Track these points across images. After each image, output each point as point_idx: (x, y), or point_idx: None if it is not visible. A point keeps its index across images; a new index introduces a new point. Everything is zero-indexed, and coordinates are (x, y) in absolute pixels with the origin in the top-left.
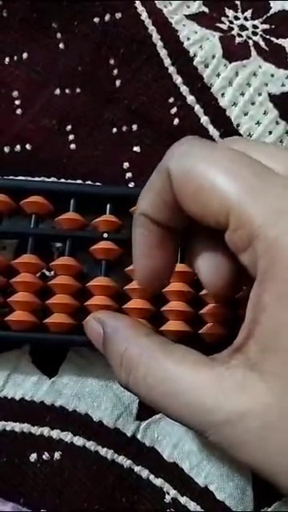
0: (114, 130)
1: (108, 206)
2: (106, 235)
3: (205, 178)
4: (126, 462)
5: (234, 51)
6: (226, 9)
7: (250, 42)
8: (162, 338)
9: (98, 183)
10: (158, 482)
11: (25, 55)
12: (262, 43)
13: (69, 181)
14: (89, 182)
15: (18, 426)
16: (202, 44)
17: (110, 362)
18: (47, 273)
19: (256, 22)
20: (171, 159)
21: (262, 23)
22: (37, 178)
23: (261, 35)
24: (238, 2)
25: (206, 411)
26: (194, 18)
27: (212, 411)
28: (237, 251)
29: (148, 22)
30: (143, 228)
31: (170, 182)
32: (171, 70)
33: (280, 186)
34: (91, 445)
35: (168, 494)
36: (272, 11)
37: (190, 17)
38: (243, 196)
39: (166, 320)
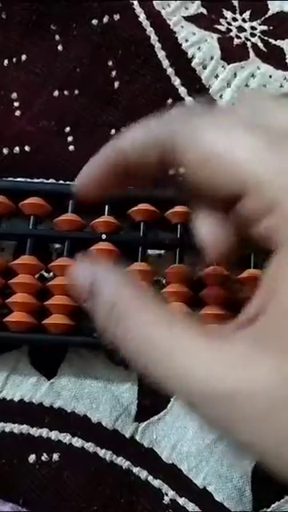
0: (113, 131)
1: (106, 207)
2: (104, 236)
3: (216, 146)
4: (124, 463)
5: (232, 52)
6: (224, 10)
7: (249, 44)
8: (160, 297)
9: None
10: (157, 483)
11: (24, 57)
12: (260, 44)
13: (67, 182)
14: None
15: (16, 428)
16: (201, 45)
17: (95, 310)
18: (46, 274)
19: (254, 24)
20: (176, 122)
21: (260, 25)
22: (35, 180)
23: (259, 36)
24: (236, 4)
25: (197, 380)
26: (193, 19)
27: (208, 382)
28: (252, 220)
29: (146, 23)
30: (114, 154)
31: (171, 145)
32: (169, 71)
33: None
34: (90, 446)
35: (166, 495)
36: (270, 12)
37: (188, 18)
38: (261, 161)
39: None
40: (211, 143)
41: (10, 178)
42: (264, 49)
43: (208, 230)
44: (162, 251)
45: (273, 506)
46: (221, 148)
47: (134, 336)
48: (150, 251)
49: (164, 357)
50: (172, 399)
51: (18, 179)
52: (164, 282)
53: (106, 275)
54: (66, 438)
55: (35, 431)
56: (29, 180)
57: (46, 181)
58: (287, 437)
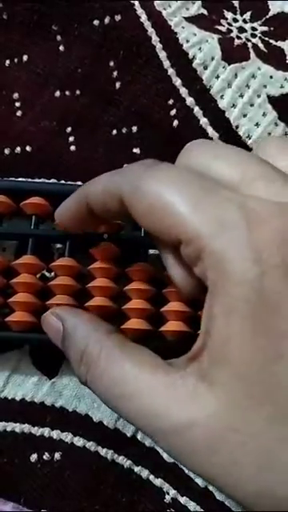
0: (114, 131)
1: None
2: (105, 236)
3: (157, 198)
4: (126, 463)
5: (233, 53)
6: (224, 11)
7: (249, 44)
8: (123, 337)
9: None
10: (158, 482)
11: (25, 57)
12: (260, 45)
13: (69, 182)
14: None
15: (18, 427)
16: (201, 46)
17: (70, 359)
18: (47, 274)
19: (255, 24)
20: (123, 182)
21: (260, 25)
22: (37, 180)
23: (260, 37)
24: (236, 4)
25: (154, 417)
26: (193, 20)
27: (161, 418)
28: (191, 265)
29: (147, 24)
30: (80, 204)
31: (119, 201)
32: (170, 71)
33: (223, 198)
34: (91, 445)
35: (168, 494)
36: (271, 13)
37: (189, 19)
38: (190, 211)
39: (165, 320)
40: (151, 196)
41: (11, 178)
42: (265, 49)
43: (177, 275)
44: None
45: None
46: (159, 201)
47: (102, 380)
48: (151, 251)
49: (129, 398)
50: None
51: (19, 179)
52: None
53: (75, 322)
54: (67, 437)
55: (37, 430)
56: (30, 180)
57: (47, 181)
58: (231, 466)
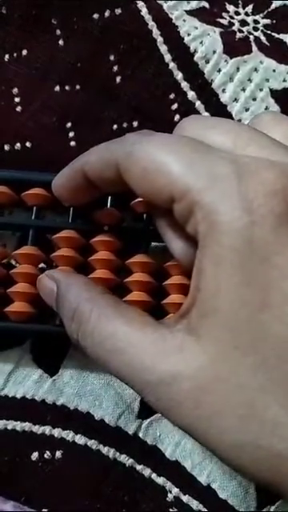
0: (115, 126)
1: (109, 198)
2: (106, 228)
3: (151, 160)
4: (127, 461)
5: (234, 47)
6: (226, 4)
7: (251, 38)
8: (116, 299)
9: None
10: (160, 480)
11: (24, 52)
12: (263, 38)
13: None
14: None
15: (19, 425)
16: (203, 39)
17: (62, 318)
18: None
19: (257, 17)
20: (119, 148)
21: (263, 18)
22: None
23: (262, 30)
24: None
25: (143, 370)
26: (195, 13)
27: (148, 370)
28: (183, 223)
29: (148, 17)
30: (76, 174)
31: (115, 168)
32: (172, 65)
33: (216, 156)
34: (93, 443)
35: (170, 492)
36: (273, 6)
37: (190, 12)
38: (183, 169)
39: (166, 312)
40: (145, 159)
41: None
42: (267, 43)
43: (173, 243)
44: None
45: (277, 503)
46: (156, 163)
47: (93, 337)
48: (153, 243)
49: (119, 352)
50: None
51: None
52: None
53: (68, 281)
54: (68, 435)
55: (38, 428)
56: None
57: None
58: (214, 417)
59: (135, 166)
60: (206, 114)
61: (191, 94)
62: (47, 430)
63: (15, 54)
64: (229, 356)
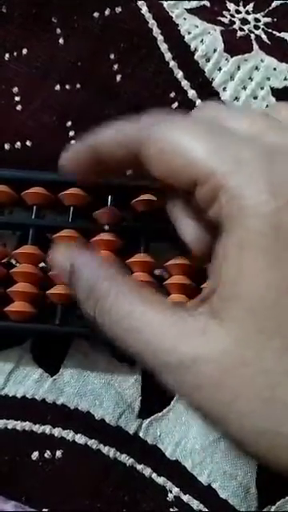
0: None
1: (109, 197)
2: (106, 227)
3: (169, 141)
4: (128, 461)
5: (235, 45)
6: (227, 2)
7: (252, 36)
8: (132, 278)
9: None
10: (161, 480)
11: (24, 51)
12: (263, 37)
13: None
14: None
15: (19, 425)
16: (203, 38)
17: (77, 293)
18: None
19: (258, 16)
20: (135, 128)
21: (263, 17)
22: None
23: (263, 29)
24: None
25: (162, 351)
26: (195, 11)
27: (168, 352)
28: (206, 207)
29: (148, 16)
30: (87, 150)
31: (130, 148)
32: (172, 64)
33: (238, 139)
34: (93, 443)
35: (171, 492)
36: (274, 4)
37: (190, 11)
38: (207, 152)
39: None
40: (164, 139)
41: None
42: (268, 41)
43: (186, 228)
44: (165, 243)
45: (278, 503)
46: (174, 144)
47: (111, 314)
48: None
49: (137, 331)
50: (176, 396)
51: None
52: (166, 274)
53: (85, 258)
54: (69, 434)
55: (38, 428)
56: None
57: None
58: (236, 401)
59: (154, 146)
60: None
61: (192, 93)
62: (47, 429)
63: (15, 53)
64: (253, 340)
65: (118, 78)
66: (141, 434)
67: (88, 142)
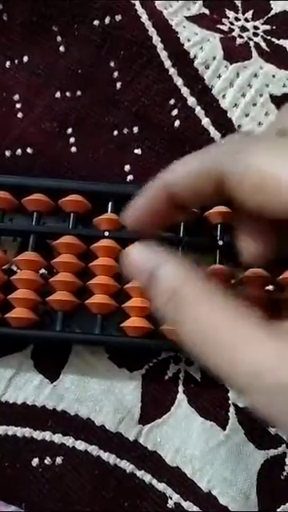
0: (115, 132)
1: (110, 204)
2: (107, 233)
3: (271, 171)
4: (128, 467)
5: (234, 52)
6: (226, 10)
7: (251, 43)
8: (221, 286)
9: None
10: (161, 486)
11: (25, 58)
12: (262, 44)
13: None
14: None
15: (19, 431)
16: (203, 45)
17: (154, 294)
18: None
19: (257, 23)
20: (225, 159)
21: (262, 24)
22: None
23: (262, 36)
24: (238, 4)
25: (258, 374)
26: (195, 19)
27: (265, 375)
28: None
29: (148, 24)
30: (157, 196)
31: (216, 181)
32: (172, 71)
33: None
34: (93, 449)
35: (171, 498)
36: (273, 12)
37: (190, 18)
38: None
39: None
40: (264, 169)
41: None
42: (267, 48)
43: (249, 245)
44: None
45: (278, 509)
46: (273, 174)
47: (195, 323)
48: None
49: (227, 347)
50: (176, 402)
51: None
52: None
53: (168, 261)
54: (69, 441)
55: (38, 434)
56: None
57: None
58: None
59: (251, 177)
60: (207, 119)
61: (191, 100)
62: (47, 435)
63: (16, 61)
64: None
65: (118, 85)
66: (141, 440)
67: (155, 188)
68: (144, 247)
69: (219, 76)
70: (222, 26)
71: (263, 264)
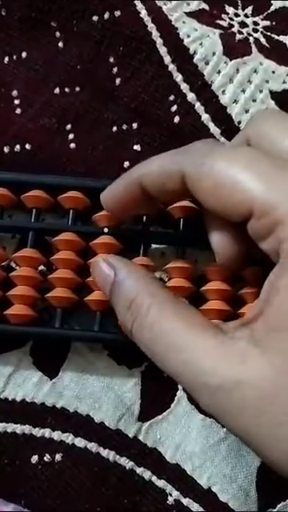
0: (114, 128)
1: None
2: (106, 230)
3: (226, 175)
4: (128, 464)
5: (234, 48)
6: (226, 6)
7: (251, 39)
8: (173, 294)
9: None
10: (161, 483)
11: (24, 54)
12: (262, 40)
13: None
14: None
15: (19, 428)
16: (203, 41)
17: (116, 306)
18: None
19: (257, 19)
20: (186, 160)
21: (262, 20)
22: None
23: (261, 32)
24: None
25: (202, 372)
26: (194, 15)
27: (208, 373)
28: (258, 239)
29: (147, 19)
30: (131, 186)
31: (180, 179)
32: (171, 67)
33: None
34: (93, 446)
35: (171, 495)
36: (273, 8)
37: (189, 14)
38: (265, 187)
39: None
40: (220, 173)
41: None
42: (267, 44)
43: (220, 242)
44: (165, 246)
45: (279, 506)
46: (231, 178)
47: (151, 330)
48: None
49: (177, 350)
50: (176, 398)
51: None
52: (166, 277)
53: (128, 272)
54: (68, 438)
55: (37, 431)
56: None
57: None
58: (276, 427)
59: (207, 179)
60: (206, 115)
61: (191, 96)
62: (47, 432)
63: (15, 56)
64: None
65: (118, 81)
66: (140, 437)
67: (132, 176)
68: (108, 257)
69: (219, 72)
70: (221, 22)
71: (238, 265)
